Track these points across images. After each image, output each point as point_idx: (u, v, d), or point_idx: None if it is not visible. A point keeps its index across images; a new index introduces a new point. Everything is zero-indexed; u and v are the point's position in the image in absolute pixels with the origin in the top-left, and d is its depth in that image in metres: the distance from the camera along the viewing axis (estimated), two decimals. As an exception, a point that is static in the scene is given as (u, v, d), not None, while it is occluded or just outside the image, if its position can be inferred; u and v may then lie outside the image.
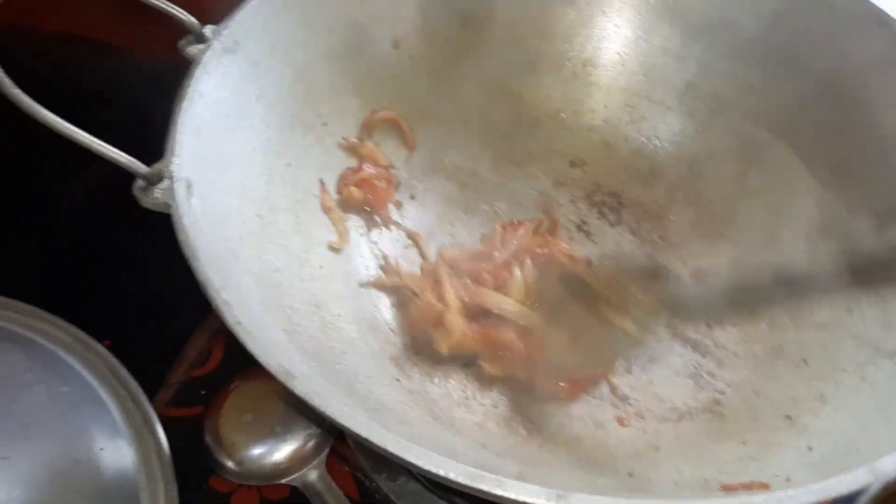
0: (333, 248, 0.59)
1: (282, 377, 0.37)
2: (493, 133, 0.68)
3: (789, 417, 0.51)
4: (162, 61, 0.55)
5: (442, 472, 0.34)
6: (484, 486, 0.34)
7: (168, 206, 0.43)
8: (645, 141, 0.68)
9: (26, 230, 0.71)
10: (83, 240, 0.72)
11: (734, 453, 0.50)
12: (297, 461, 0.56)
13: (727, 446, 0.51)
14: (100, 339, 0.59)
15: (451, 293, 0.55)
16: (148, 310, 0.67)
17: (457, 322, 0.54)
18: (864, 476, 0.36)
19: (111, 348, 0.58)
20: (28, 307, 0.60)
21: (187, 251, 0.41)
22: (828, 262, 0.58)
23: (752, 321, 0.59)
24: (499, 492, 0.34)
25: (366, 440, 0.35)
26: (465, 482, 0.34)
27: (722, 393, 0.55)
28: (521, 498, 0.34)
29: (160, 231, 0.44)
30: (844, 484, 0.36)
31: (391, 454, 0.35)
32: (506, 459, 0.49)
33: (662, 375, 0.57)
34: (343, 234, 0.60)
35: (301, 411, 0.57)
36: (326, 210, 0.60)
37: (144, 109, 0.52)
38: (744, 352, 0.58)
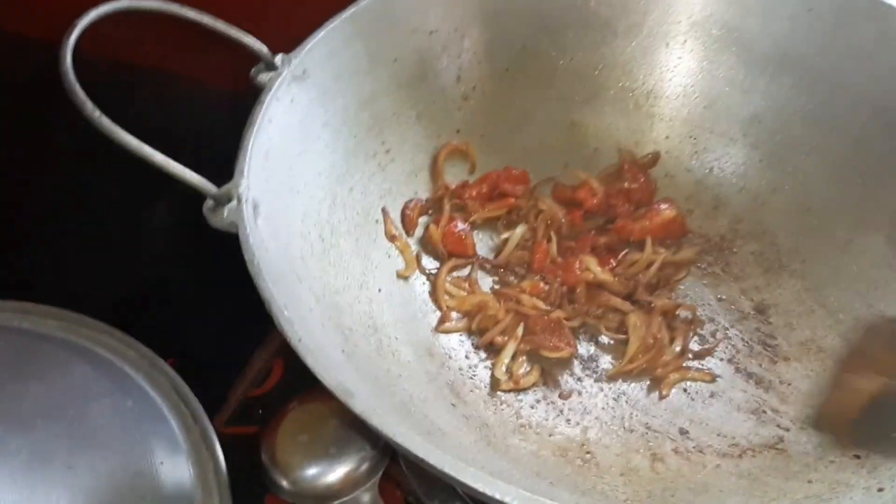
0: (401, 276, 0.60)
1: (341, 395, 0.37)
2: (552, 162, 0.68)
3: (858, 457, 0.49)
4: (231, 92, 0.57)
5: (498, 496, 0.34)
6: (540, 511, 0.33)
7: (235, 225, 0.45)
8: (708, 172, 0.68)
9: (100, 250, 0.74)
10: (154, 261, 0.74)
11: (800, 493, 0.48)
12: (349, 483, 0.56)
13: (792, 485, 0.49)
14: (165, 357, 0.60)
15: None
16: (213, 329, 0.69)
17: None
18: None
19: (176, 366, 0.60)
20: (98, 324, 0.62)
21: (253, 270, 0.42)
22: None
23: (818, 358, 0.58)
24: (555, 517, 0.33)
25: (422, 461, 0.36)
26: (520, 505, 0.34)
27: (786, 430, 0.54)
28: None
29: (226, 253, 0.45)
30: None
31: (447, 475, 0.35)
32: (560, 489, 0.49)
33: (723, 410, 0.56)
34: (410, 263, 0.61)
35: (358, 431, 0.57)
36: (391, 238, 0.61)
37: (214, 136, 0.53)
38: (808, 387, 0.56)
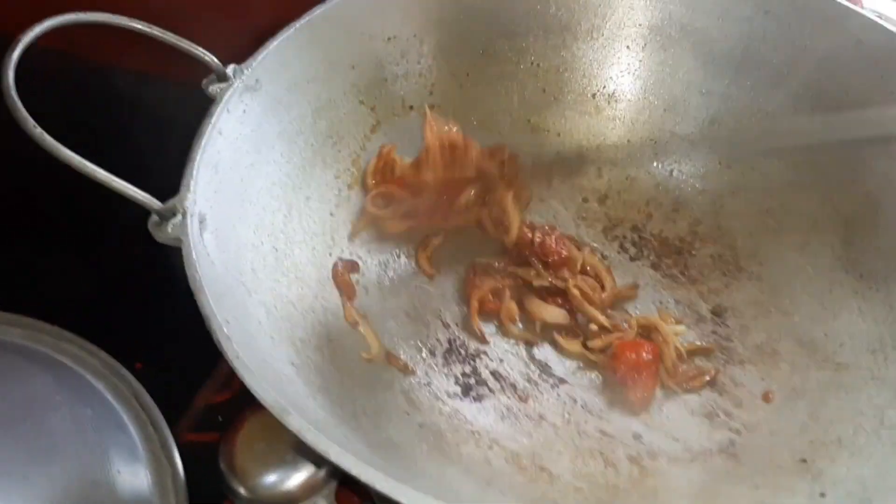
0: (367, 360, 0.57)
1: (277, 412, 0.38)
2: (515, 166, 0.69)
3: (804, 461, 0.50)
4: (190, 88, 0.57)
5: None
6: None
7: (179, 240, 0.45)
8: (668, 175, 0.68)
9: (64, 257, 0.74)
10: (118, 266, 0.74)
11: (746, 498, 0.49)
12: (307, 489, 0.56)
13: (739, 490, 0.50)
14: (131, 362, 0.60)
15: None
16: (178, 335, 0.69)
17: None
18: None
19: (142, 371, 0.60)
20: (60, 331, 0.62)
21: (193, 285, 0.43)
22: (851, 299, 0.57)
23: (773, 361, 0.58)
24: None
25: (356, 477, 0.36)
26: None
27: (738, 433, 0.54)
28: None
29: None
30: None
31: (378, 493, 0.35)
32: (510, 498, 0.49)
33: (677, 415, 0.56)
34: (374, 345, 0.57)
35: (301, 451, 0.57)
36: (352, 324, 0.58)
37: (171, 135, 0.53)
38: (762, 391, 0.56)
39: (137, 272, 0.74)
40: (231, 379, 0.65)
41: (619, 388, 0.57)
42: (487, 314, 0.61)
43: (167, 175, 0.48)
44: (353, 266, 0.60)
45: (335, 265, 0.59)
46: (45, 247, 0.74)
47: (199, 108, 0.52)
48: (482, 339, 0.60)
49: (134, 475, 0.55)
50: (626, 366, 0.56)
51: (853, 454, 0.48)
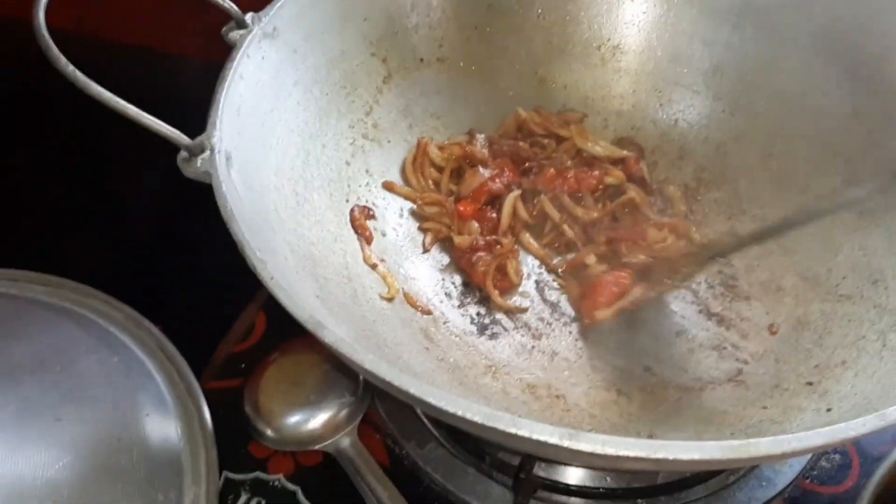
0: (385, 298, 0.58)
1: (312, 327, 0.39)
2: (523, 118, 0.70)
3: (810, 384, 0.52)
4: (202, 62, 0.58)
5: (460, 413, 0.36)
6: (500, 426, 0.35)
7: (209, 175, 0.46)
8: (673, 124, 0.70)
9: (90, 219, 0.76)
10: (142, 228, 0.77)
11: (755, 417, 0.51)
12: (330, 429, 0.58)
13: (749, 412, 0.52)
14: (155, 320, 0.62)
15: None
16: (199, 294, 0.71)
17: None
18: (873, 422, 0.37)
19: (165, 328, 0.62)
20: (85, 287, 0.64)
21: (226, 215, 0.44)
22: (851, 235, 0.58)
23: (777, 296, 0.60)
24: (513, 430, 0.35)
25: (389, 384, 0.38)
26: (481, 422, 0.36)
27: (745, 363, 0.56)
28: (534, 436, 0.35)
29: (212, 219, 0.47)
30: (852, 429, 0.36)
31: (412, 396, 0.37)
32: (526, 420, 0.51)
33: (686, 348, 0.58)
34: (392, 286, 0.59)
35: (337, 378, 0.59)
36: (372, 266, 0.60)
37: (189, 103, 0.54)
38: (768, 324, 0.58)
39: (160, 235, 0.76)
40: (251, 329, 0.67)
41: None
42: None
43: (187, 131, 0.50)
44: (369, 212, 0.62)
45: (352, 210, 0.61)
46: (68, 211, 0.76)
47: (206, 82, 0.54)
48: (519, 310, 0.61)
49: (162, 418, 0.57)
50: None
51: (857, 374, 0.50)
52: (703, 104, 0.69)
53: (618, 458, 0.35)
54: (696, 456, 0.35)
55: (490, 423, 0.35)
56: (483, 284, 0.61)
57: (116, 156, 0.80)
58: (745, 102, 0.67)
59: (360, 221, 0.60)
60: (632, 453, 0.35)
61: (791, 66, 0.65)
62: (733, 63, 0.67)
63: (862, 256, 0.58)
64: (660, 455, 0.35)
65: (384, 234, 0.61)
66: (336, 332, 0.40)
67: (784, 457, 0.36)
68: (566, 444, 0.35)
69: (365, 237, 0.60)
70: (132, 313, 0.64)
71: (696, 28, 0.68)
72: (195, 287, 0.71)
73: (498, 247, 0.61)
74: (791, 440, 0.35)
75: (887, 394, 0.46)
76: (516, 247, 0.63)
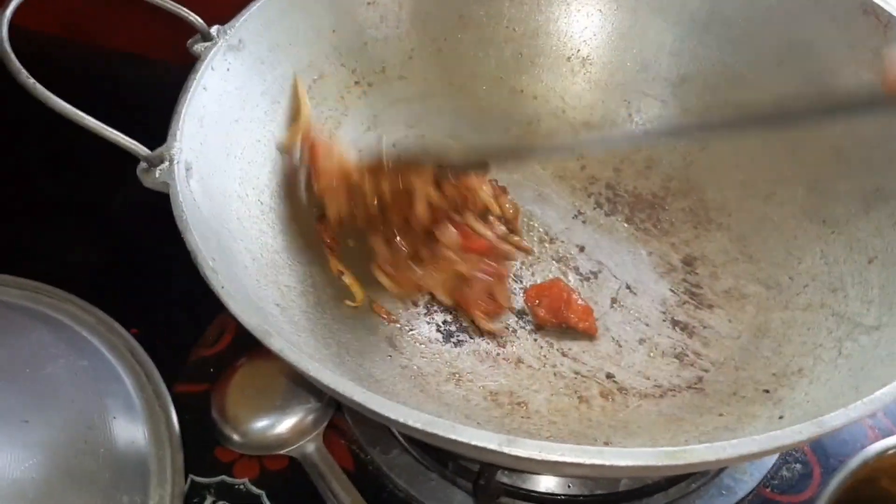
0: (351, 307, 0.59)
1: (259, 335, 0.40)
2: (494, 127, 0.71)
3: (767, 391, 0.52)
4: (171, 65, 0.59)
5: (401, 419, 0.37)
6: (439, 432, 0.36)
7: (167, 185, 0.47)
8: (641, 134, 0.70)
9: (65, 223, 0.77)
10: (116, 234, 0.77)
11: (711, 425, 0.51)
12: (296, 434, 0.59)
13: (705, 419, 0.52)
14: (128, 325, 0.63)
15: None
16: (174, 300, 0.72)
17: None
18: (809, 429, 0.38)
19: (138, 337, 0.62)
20: (58, 291, 0.65)
21: (181, 225, 0.45)
22: (814, 243, 0.59)
23: (739, 304, 0.61)
24: (452, 436, 0.36)
25: (333, 391, 0.38)
26: (420, 427, 0.36)
27: (706, 371, 0.57)
28: (473, 442, 0.36)
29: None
30: (787, 436, 0.37)
31: (355, 402, 0.37)
32: (487, 429, 0.51)
33: (648, 356, 0.59)
34: (359, 294, 0.59)
35: (303, 385, 0.60)
36: (338, 274, 0.60)
37: (154, 107, 0.55)
38: (729, 332, 0.59)
39: (135, 242, 0.77)
40: (220, 334, 0.68)
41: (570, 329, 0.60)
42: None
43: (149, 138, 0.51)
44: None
45: (318, 220, 0.61)
46: (46, 216, 0.77)
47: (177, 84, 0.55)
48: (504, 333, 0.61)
49: (130, 422, 0.57)
50: (545, 311, 0.60)
51: (811, 381, 0.50)
52: (671, 114, 0.70)
53: (556, 463, 0.36)
54: (630, 462, 0.36)
55: (430, 429, 0.36)
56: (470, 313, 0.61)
57: (89, 159, 0.81)
58: (710, 113, 0.68)
59: (328, 232, 0.61)
60: (568, 459, 0.36)
61: (754, 77, 0.65)
62: (699, 74, 0.68)
63: (823, 265, 0.58)
64: (595, 461, 0.35)
65: (350, 244, 0.62)
66: (285, 340, 0.40)
67: (719, 464, 0.37)
68: (505, 449, 0.36)
69: (330, 247, 0.60)
70: (104, 317, 0.65)
71: (662, 39, 0.69)
72: (169, 292, 0.72)
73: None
74: (724, 447, 0.36)
75: (835, 401, 0.46)
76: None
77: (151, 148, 0.49)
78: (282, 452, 0.59)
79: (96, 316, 0.65)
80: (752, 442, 0.36)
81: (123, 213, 0.80)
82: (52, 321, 0.63)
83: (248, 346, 0.64)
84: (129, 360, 0.62)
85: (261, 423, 0.60)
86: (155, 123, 0.51)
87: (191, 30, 0.56)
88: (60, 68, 0.55)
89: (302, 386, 0.60)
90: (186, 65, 0.55)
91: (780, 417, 0.48)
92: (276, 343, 0.40)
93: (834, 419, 0.38)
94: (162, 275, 0.73)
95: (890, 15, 0.58)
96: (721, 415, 0.52)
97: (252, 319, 0.41)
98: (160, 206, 0.49)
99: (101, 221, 0.79)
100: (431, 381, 0.56)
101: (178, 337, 0.69)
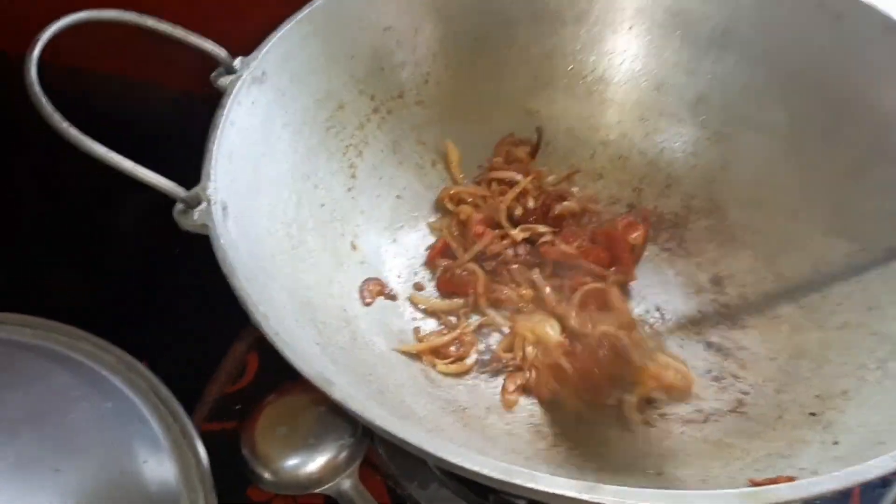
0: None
1: (321, 384, 0.39)
2: (511, 150, 0.70)
3: (814, 414, 0.52)
4: (195, 95, 0.58)
5: (477, 469, 0.36)
6: (518, 481, 0.35)
7: (207, 227, 0.46)
8: (659, 153, 0.70)
9: (72, 258, 0.75)
10: (124, 265, 0.75)
11: (761, 451, 0.51)
12: (330, 471, 0.57)
13: (754, 445, 0.52)
14: (140, 358, 0.61)
15: None
16: (186, 329, 0.70)
17: None
18: (888, 463, 0.37)
19: (151, 367, 0.61)
20: (74, 330, 0.63)
21: (226, 269, 0.43)
22: (843, 260, 0.59)
23: (773, 324, 0.60)
24: (531, 485, 0.35)
25: (403, 441, 0.37)
26: (499, 477, 0.35)
27: (746, 393, 0.56)
28: (552, 490, 0.35)
29: (195, 254, 0.47)
30: (868, 471, 0.37)
31: (429, 454, 0.37)
32: (535, 463, 0.51)
33: (687, 379, 0.58)
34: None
35: (336, 420, 0.58)
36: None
37: (179, 138, 0.54)
38: (766, 353, 0.59)
39: (143, 272, 0.75)
40: (243, 369, 0.66)
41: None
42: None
43: (178, 175, 0.49)
44: (382, 288, 0.62)
45: (362, 288, 0.61)
46: (52, 249, 0.74)
47: (199, 114, 0.54)
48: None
49: (159, 464, 0.56)
50: None
51: (860, 405, 0.50)
52: (689, 133, 0.69)
53: (637, 509, 0.35)
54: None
55: (509, 479, 0.35)
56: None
57: (95, 191, 0.79)
58: (729, 131, 0.68)
59: (369, 299, 0.60)
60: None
61: (773, 95, 0.66)
62: (717, 92, 0.68)
63: (856, 283, 0.58)
64: (681, 505, 0.35)
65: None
66: (343, 386, 0.39)
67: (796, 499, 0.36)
68: (585, 496, 0.35)
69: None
70: (123, 356, 0.63)
71: (679, 58, 0.69)
72: (179, 323, 0.70)
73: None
74: (806, 486, 0.35)
75: (891, 425, 0.46)
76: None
77: (185, 186, 0.47)
78: (317, 491, 0.57)
79: (114, 354, 0.63)
80: (830, 479, 0.36)
81: (124, 238, 0.78)
82: (71, 362, 0.61)
83: (273, 380, 0.63)
84: (153, 399, 0.60)
85: (292, 462, 0.58)
86: (177, 156, 0.50)
87: (210, 59, 0.55)
88: (76, 98, 0.54)
89: (338, 415, 0.59)
90: (199, 93, 0.54)
91: (835, 443, 0.48)
92: (337, 393, 0.39)
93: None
94: (169, 304, 0.72)
95: (913, 34, 0.59)
96: (771, 441, 0.51)
97: (311, 369, 0.39)
98: (161, 230, 0.48)
99: (102, 249, 0.77)
100: (473, 413, 0.55)
101: (192, 368, 0.68)
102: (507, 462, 0.47)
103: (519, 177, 0.67)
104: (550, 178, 0.69)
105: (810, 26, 0.63)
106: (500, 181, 0.68)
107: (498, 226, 0.65)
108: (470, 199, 0.67)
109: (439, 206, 0.68)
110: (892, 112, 0.60)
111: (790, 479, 0.44)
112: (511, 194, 0.66)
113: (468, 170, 0.70)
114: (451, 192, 0.67)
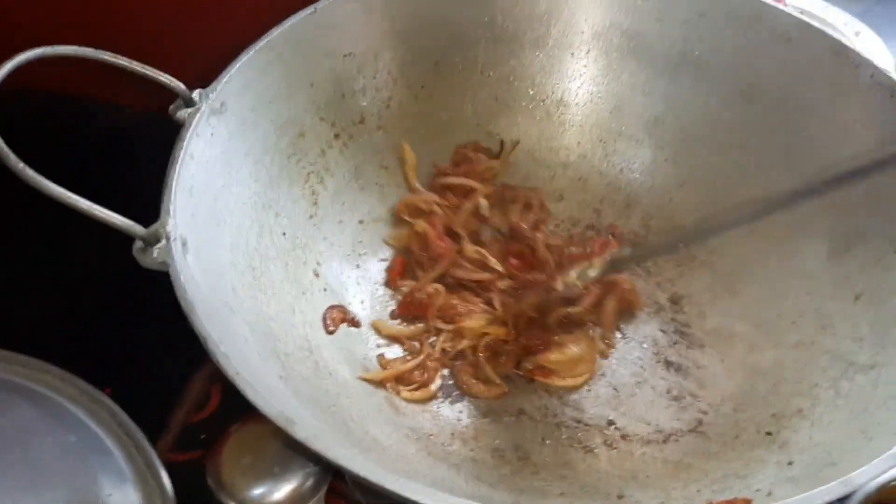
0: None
1: (282, 423, 0.39)
2: (472, 174, 0.71)
3: (770, 434, 0.53)
4: (159, 116, 0.58)
5: (438, 506, 0.36)
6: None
7: (166, 265, 0.46)
8: (618, 173, 0.71)
9: (32, 289, 0.74)
10: (85, 295, 0.74)
11: (719, 472, 0.52)
12: (296, 499, 0.57)
13: (712, 465, 0.53)
14: (102, 388, 0.61)
15: None
16: (146, 357, 0.69)
17: None
18: (837, 489, 0.38)
19: (112, 396, 0.60)
20: (35, 361, 0.62)
21: (186, 307, 0.43)
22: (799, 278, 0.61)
23: (730, 343, 0.62)
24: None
25: (365, 480, 0.38)
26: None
27: (704, 413, 0.58)
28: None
29: (157, 282, 0.46)
30: (820, 496, 0.38)
31: (391, 492, 0.37)
32: (500, 490, 0.51)
33: (647, 399, 0.59)
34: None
35: (301, 449, 0.58)
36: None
37: (143, 163, 0.54)
38: (723, 371, 0.60)
39: (101, 299, 0.74)
40: (207, 398, 0.66)
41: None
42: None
43: (140, 202, 0.49)
44: (345, 316, 0.62)
45: (325, 316, 0.61)
46: (12, 280, 0.73)
47: (162, 135, 0.53)
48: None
49: (124, 497, 0.55)
50: None
51: (814, 424, 0.52)
52: (647, 153, 0.71)
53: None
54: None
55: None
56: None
57: (55, 218, 0.78)
58: (685, 151, 0.69)
59: (332, 327, 0.60)
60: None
61: (728, 115, 0.67)
62: (672, 113, 0.69)
63: (810, 301, 0.60)
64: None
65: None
66: (306, 421, 0.40)
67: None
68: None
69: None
70: (85, 387, 0.62)
71: (636, 80, 0.70)
72: (142, 352, 0.70)
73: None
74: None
75: (844, 445, 0.47)
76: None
77: (147, 214, 0.47)
78: (284, 521, 0.57)
79: (75, 385, 0.62)
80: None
81: (84, 272, 0.77)
82: (33, 394, 0.60)
83: (237, 408, 0.62)
84: (116, 430, 0.60)
85: (258, 490, 0.57)
86: (144, 176, 0.50)
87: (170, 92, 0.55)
88: (36, 120, 0.53)
89: (299, 451, 0.59)
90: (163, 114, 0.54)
91: (790, 463, 0.49)
92: (300, 432, 0.39)
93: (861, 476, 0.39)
94: (131, 334, 0.71)
95: (860, 56, 0.60)
96: (728, 461, 0.52)
97: (273, 407, 0.40)
98: (121, 257, 0.48)
99: (60, 279, 0.76)
100: (437, 440, 0.55)
101: (156, 398, 0.67)
102: (473, 490, 0.48)
103: (474, 184, 0.68)
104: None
105: (762, 48, 0.65)
106: (454, 188, 0.68)
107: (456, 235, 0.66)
108: (425, 207, 0.67)
109: (395, 218, 0.68)
110: (844, 129, 0.62)
111: (746, 501, 0.45)
112: (469, 205, 0.67)
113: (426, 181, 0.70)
114: (407, 200, 0.67)
